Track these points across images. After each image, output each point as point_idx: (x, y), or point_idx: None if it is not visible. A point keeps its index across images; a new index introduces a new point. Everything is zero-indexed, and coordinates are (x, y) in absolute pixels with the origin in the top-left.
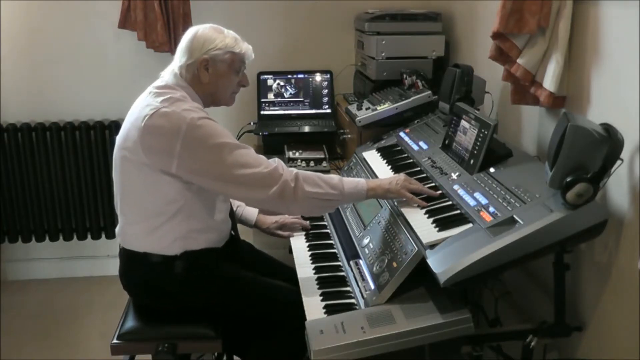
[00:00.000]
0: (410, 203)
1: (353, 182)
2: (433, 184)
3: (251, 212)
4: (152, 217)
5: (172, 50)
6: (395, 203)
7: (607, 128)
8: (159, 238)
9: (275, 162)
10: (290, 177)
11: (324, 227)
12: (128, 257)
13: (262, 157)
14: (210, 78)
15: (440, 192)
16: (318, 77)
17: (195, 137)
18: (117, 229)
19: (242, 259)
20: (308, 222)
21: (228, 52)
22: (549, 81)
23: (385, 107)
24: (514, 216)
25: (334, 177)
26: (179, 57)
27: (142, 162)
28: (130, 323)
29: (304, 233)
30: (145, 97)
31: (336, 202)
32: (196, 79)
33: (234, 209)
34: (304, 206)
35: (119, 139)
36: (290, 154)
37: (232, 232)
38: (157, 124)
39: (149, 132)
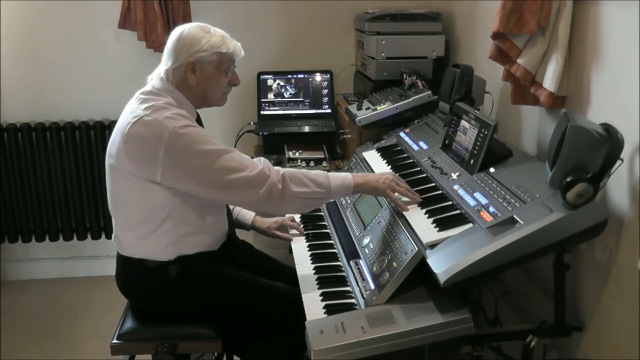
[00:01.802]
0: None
1: (340, 178)
2: (433, 184)
3: (248, 214)
4: (142, 224)
5: None
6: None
7: (607, 128)
8: (152, 244)
9: (261, 162)
10: (278, 178)
11: (324, 227)
12: (124, 262)
13: (248, 158)
14: (198, 80)
15: (423, 198)
16: (318, 77)
17: (178, 146)
18: (112, 235)
19: (239, 260)
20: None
21: (215, 53)
22: (549, 81)
23: (385, 107)
24: (514, 216)
25: (320, 174)
26: (165, 60)
27: (127, 171)
28: (130, 323)
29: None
30: (132, 103)
31: (323, 199)
32: (183, 82)
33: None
34: (292, 206)
35: (108, 146)
36: (290, 154)
37: (230, 233)
38: (139, 133)
39: (132, 140)
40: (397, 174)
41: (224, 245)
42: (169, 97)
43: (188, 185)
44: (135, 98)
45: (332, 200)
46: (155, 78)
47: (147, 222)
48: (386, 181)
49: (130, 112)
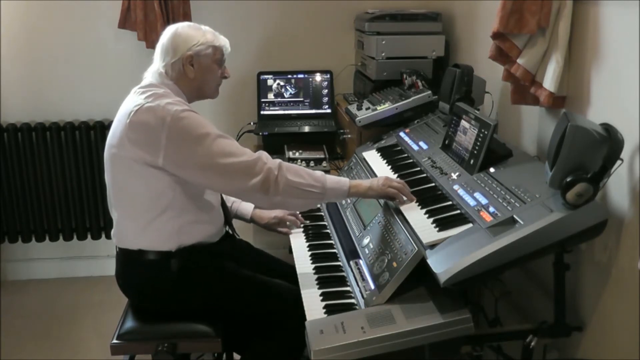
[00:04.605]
0: (397, 200)
1: (335, 178)
2: (433, 184)
3: (247, 207)
4: (143, 212)
5: None
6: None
7: (607, 128)
8: (153, 233)
9: (259, 152)
10: (274, 166)
11: (324, 227)
12: (124, 258)
13: (246, 148)
14: (196, 73)
15: (422, 198)
16: (318, 77)
17: (179, 129)
18: (112, 231)
19: (240, 257)
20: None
21: (210, 46)
22: (549, 81)
23: (385, 107)
24: (514, 216)
25: (316, 172)
26: (162, 57)
27: (130, 157)
28: (129, 323)
29: (304, 233)
30: (130, 98)
31: (318, 195)
32: (182, 76)
33: (229, 205)
34: (286, 197)
35: (108, 139)
36: (290, 154)
37: (227, 229)
38: (142, 119)
39: (135, 127)
40: (396, 174)
41: (223, 240)
42: (167, 89)
43: (188, 170)
44: (133, 93)
45: (327, 201)
46: (151, 74)
47: (149, 210)
48: (380, 180)
49: (130, 104)
